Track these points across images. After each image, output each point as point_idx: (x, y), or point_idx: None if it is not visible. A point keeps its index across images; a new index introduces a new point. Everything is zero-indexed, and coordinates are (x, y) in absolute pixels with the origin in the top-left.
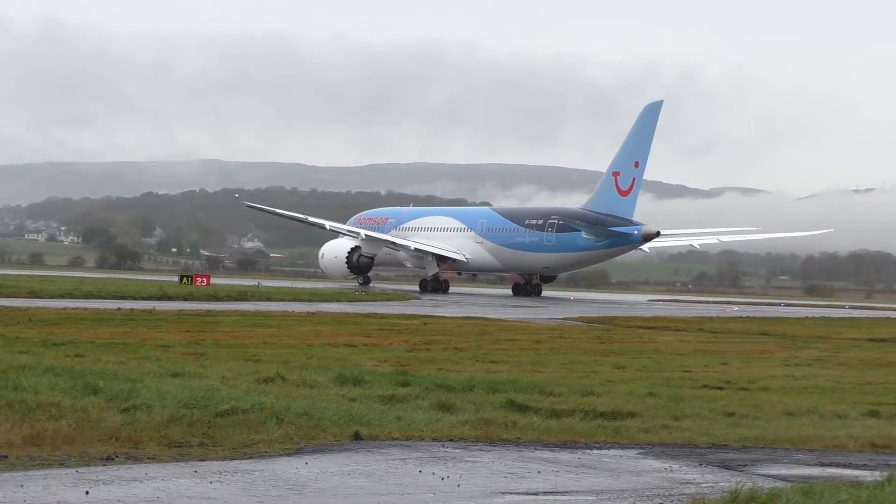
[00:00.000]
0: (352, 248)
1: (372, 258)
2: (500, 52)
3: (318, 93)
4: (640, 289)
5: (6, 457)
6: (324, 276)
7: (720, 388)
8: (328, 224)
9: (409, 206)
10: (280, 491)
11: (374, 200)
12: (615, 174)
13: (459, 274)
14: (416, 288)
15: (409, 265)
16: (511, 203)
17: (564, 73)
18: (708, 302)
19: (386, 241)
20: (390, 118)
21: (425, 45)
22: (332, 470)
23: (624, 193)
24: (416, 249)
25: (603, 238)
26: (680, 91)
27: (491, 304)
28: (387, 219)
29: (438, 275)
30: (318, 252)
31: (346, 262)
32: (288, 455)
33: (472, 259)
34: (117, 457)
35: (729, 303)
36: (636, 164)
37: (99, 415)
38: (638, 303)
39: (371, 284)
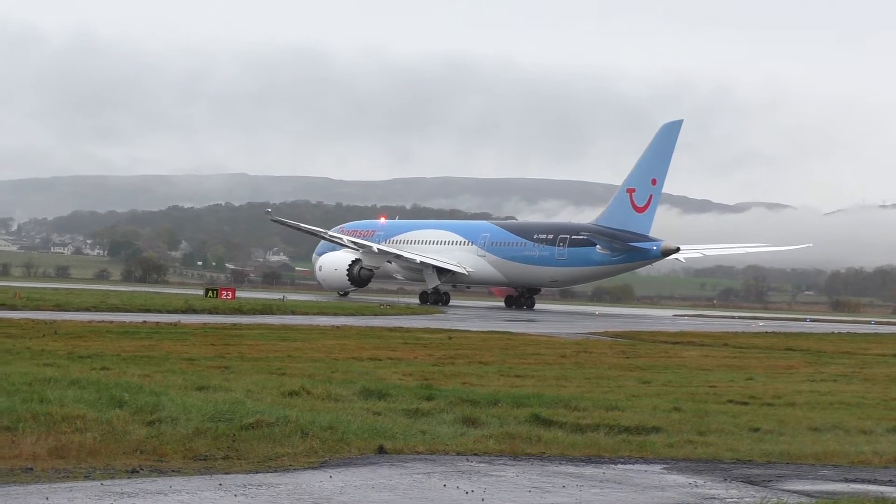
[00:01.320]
0: (353, 261)
1: (372, 271)
2: (531, 66)
3: (348, 106)
4: (666, 303)
5: (32, 469)
6: (318, 288)
7: (745, 404)
8: (346, 238)
9: (395, 218)
10: None
11: (399, 214)
12: (630, 191)
13: (454, 287)
14: (407, 300)
15: (399, 277)
16: (536, 217)
17: (594, 87)
18: (733, 317)
19: (392, 253)
20: (420, 132)
21: (456, 58)
22: (357, 484)
23: (640, 210)
24: (421, 262)
25: (620, 253)
26: (708, 106)
27: (486, 316)
28: (373, 231)
29: (439, 287)
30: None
31: (347, 275)
32: (312, 468)
33: (473, 272)
34: (142, 469)
35: (754, 318)
36: (653, 182)
37: (124, 427)
38: (663, 318)
39: (349, 297)
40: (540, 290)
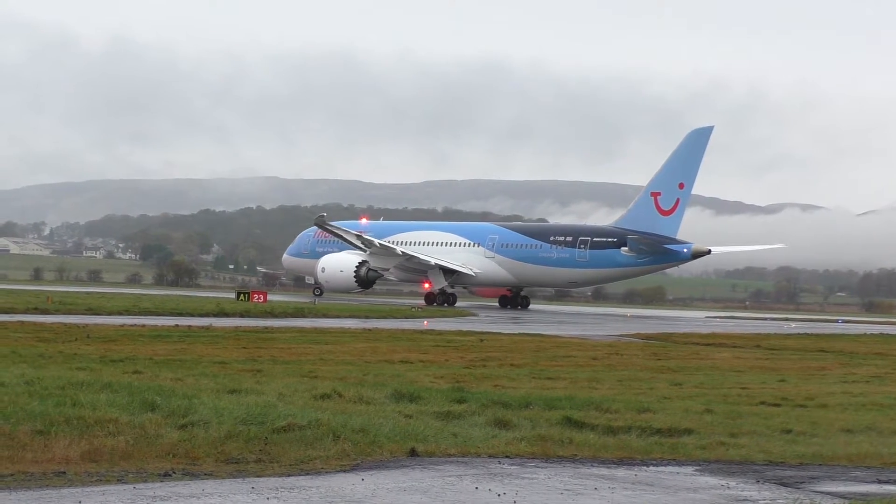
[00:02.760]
0: (360, 262)
1: (378, 272)
2: (565, 69)
3: (382, 109)
4: (697, 305)
5: (64, 473)
6: (293, 289)
7: (777, 405)
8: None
9: (380, 220)
10: None
11: (430, 217)
12: (654, 194)
13: (471, 292)
14: (401, 301)
15: (392, 278)
16: (569, 220)
17: (628, 89)
18: (765, 318)
19: (407, 255)
20: (454, 135)
21: (490, 61)
22: (389, 486)
23: (666, 213)
24: (437, 265)
25: (646, 255)
26: (742, 108)
27: (518, 318)
28: (360, 233)
29: (446, 288)
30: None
31: (355, 276)
32: (344, 471)
33: (480, 273)
34: (175, 473)
35: (786, 319)
36: (681, 186)
37: (156, 431)
38: (695, 319)
39: (322, 296)
40: (553, 291)
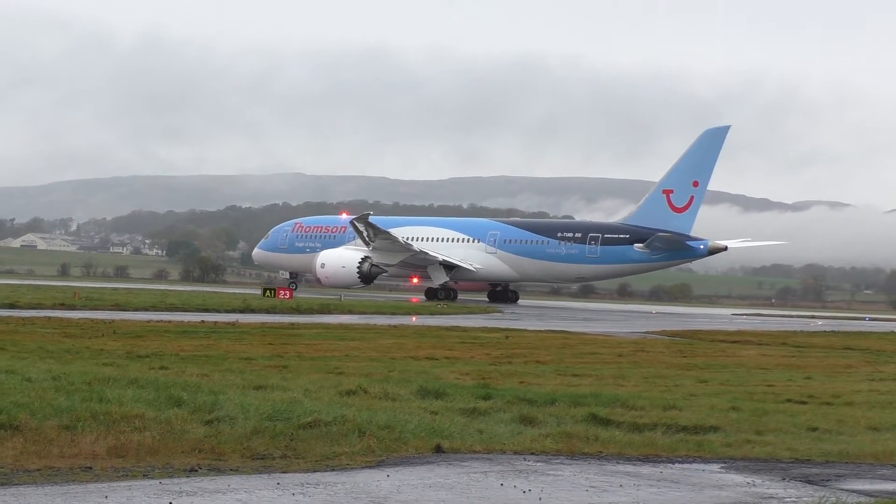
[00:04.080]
0: (362, 258)
1: (380, 268)
2: (598, 66)
3: (414, 106)
4: (723, 302)
5: (91, 468)
6: (319, 286)
7: (803, 403)
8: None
9: (369, 214)
10: (362, 503)
11: (456, 214)
12: (667, 192)
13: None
14: (370, 294)
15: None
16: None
17: (661, 86)
18: (791, 316)
19: (418, 252)
20: (486, 132)
21: (523, 58)
22: (414, 483)
23: (679, 210)
24: (443, 261)
25: (661, 252)
26: (776, 105)
27: (544, 315)
28: (345, 228)
29: (447, 284)
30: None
31: (358, 272)
32: (370, 468)
33: (481, 269)
34: (201, 468)
35: (813, 317)
36: (695, 184)
37: (182, 427)
38: (721, 316)
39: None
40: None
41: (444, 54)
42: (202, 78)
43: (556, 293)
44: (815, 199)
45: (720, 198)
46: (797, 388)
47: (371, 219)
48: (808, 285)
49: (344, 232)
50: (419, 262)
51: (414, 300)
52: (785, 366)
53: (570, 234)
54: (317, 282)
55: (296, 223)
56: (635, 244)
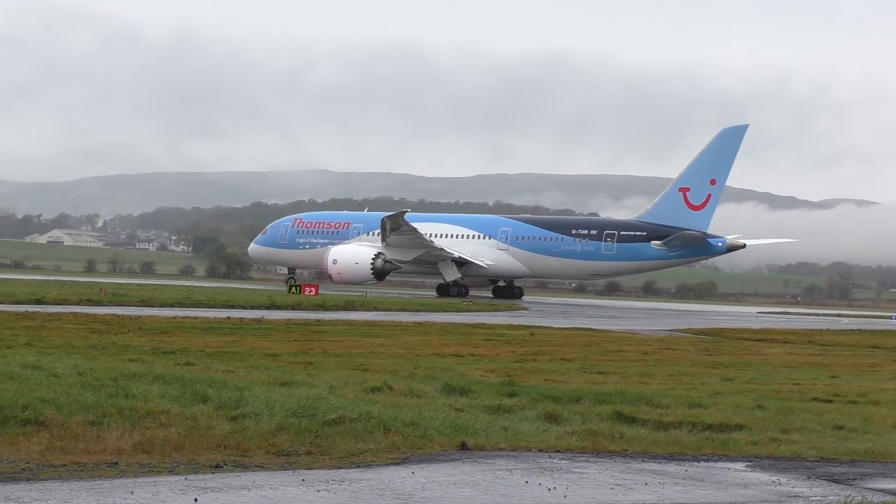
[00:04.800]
0: (375, 254)
1: (393, 264)
2: (629, 63)
3: (445, 103)
4: (749, 301)
5: (116, 464)
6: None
7: (829, 402)
8: (455, 253)
9: (365, 210)
10: (386, 500)
11: (481, 211)
12: (683, 189)
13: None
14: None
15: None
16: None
17: (692, 83)
18: (817, 314)
19: (439, 249)
20: (516, 129)
21: (553, 55)
22: (439, 480)
23: (696, 208)
24: (460, 257)
25: (678, 249)
26: (806, 102)
27: (569, 313)
28: (348, 223)
29: (459, 280)
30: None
31: (371, 269)
32: (394, 464)
33: (492, 265)
34: (226, 465)
35: (839, 315)
36: (712, 182)
37: (208, 423)
38: (746, 315)
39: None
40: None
41: (474, 51)
42: (233, 74)
43: (581, 290)
44: (843, 197)
45: (747, 195)
46: (823, 387)
47: (369, 214)
48: (835, 283)
49: (348, 228)
50: (432, 259)
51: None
52: (811, 364)
53: (586, 231)
54: (328, 278)
55: (295, 218)
56: (652, 241)
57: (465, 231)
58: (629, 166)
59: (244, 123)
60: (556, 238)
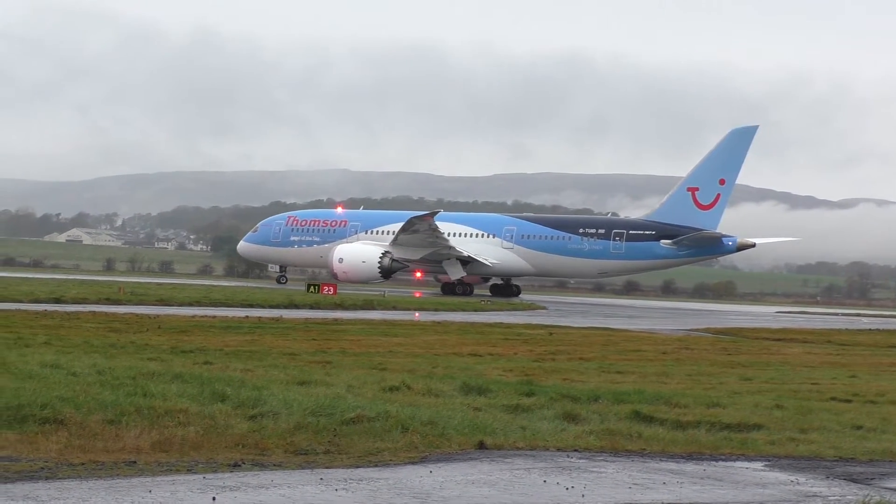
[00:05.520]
0: (382, 253)
1: (400, 262)
2: (646, 63)
3: (462, 103)
4: (768, 300)
5: (135, 462)
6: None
7: (848, 401)
8: (464, 252)
9: (360, 208)
10: (405, 499)
11: (500, 210)
12: (692, 189)
13: (437, 279)
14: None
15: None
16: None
17: (709, 83)
18: (837, 314)
19: (450, 247)
20: (534, 129)
21: (571, 55)
22: (457, 479)
23: (705, 207)
24: (468, 256)
25: (688, 248)
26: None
27: (587, 312)
28: (345, 221)
29: (464, 278)
30: None
31: (379, 267)
32: (413, 463)
33: (497, 264)
34: (244, 463)
35: (858, 315)
36: (721, 182)
37: (226, 422)
38: (765, 314)
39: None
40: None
41: (492, 51)
42: (252, 73)
43: (599, 290)
44: (862, 196)
45: (766, 195)
46: (842, 387)
47: (365, 212)
48: (854, 283)
49: (344, 226)
50: (437, 258)
51: (417, 294)
52: (829, 364)
53: (594, 230)
54: (333, 276)
55: (289, 216)
56: (662, 240)
57: (469, 230)
58: (648, 166)
59: (263, 123)
60: (564, 237)
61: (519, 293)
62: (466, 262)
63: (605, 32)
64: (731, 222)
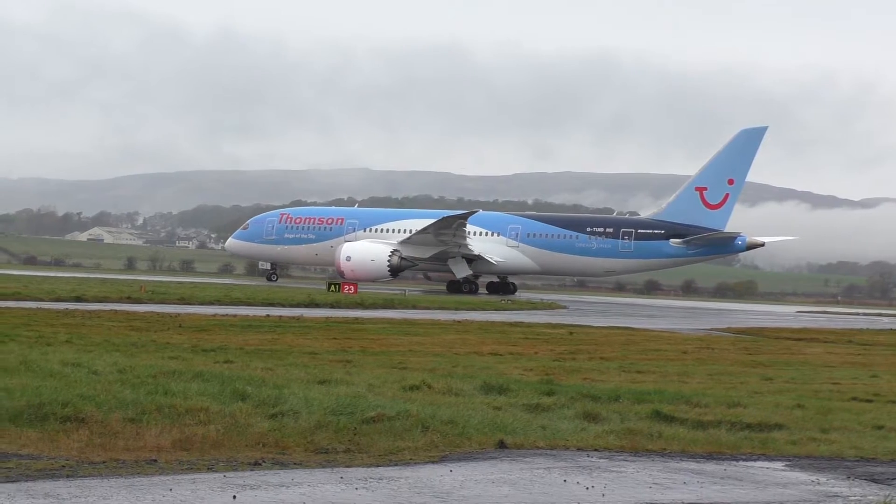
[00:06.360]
0: (391, 252)
1: (409, 261)
2: (671, 62)
3: (485, 102)
4: (789, 300)
5: (156, 461)
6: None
7: (869, 401)
8: (475, 250)
9: (355, 206)
10: (425, 498)
11: (520, 209)
12: (700, 189)
13: (427, 277)
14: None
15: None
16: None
17: (734, 83)
18: (858, 314)
19: (468, 247)
20: (557, 128)
21: (595, 54)
22: (477, 478)
23: (713, 207)
24: (478, 255)
25: (697, 247)
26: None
27: (607, 311)
28: (342, 219)
29: (469, 277)
30: None
31: (388, 266)
32: (433, 462)
33: (502, 262)
34: (264, 462)
35: (879, 315)
36: (730, 182)
37: (247, 420)
38: (786, 314)
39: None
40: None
41: (515, 51)
42: (274, 72)
43: (620, 289)
44: (884, 196)
45: (787, 195)
46: (862, 387)
47: (361, 210)
48: (875, 283)
49: (342, 224)
50: (445, 256)
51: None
52: (851, 364)
53: (601, 229)
54: (339, 274)
55: (282, 214)
56: (671, 239)
57: (473, 228)
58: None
59: (285, 122)
60: (571, 236)
61: (515, 291)
62: (471, 260)
63: (627, 31)
64: (752, 221)
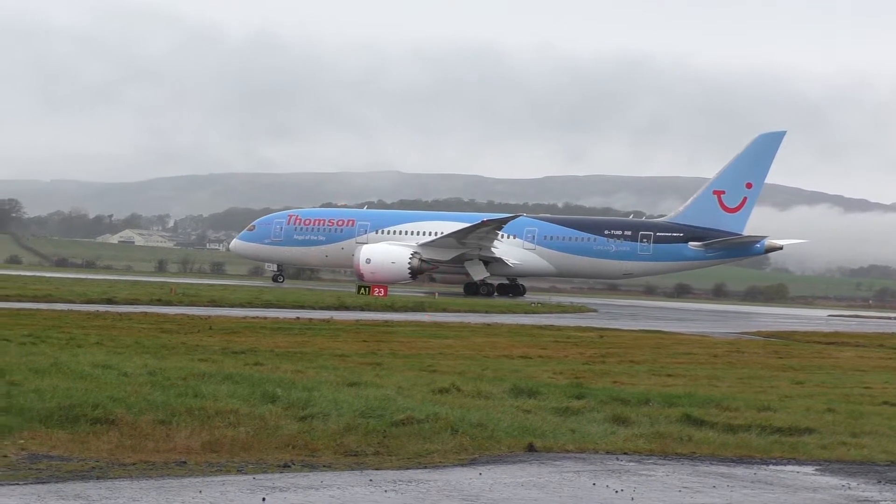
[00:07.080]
0: (412, 254)
1: (429, 263)
2: (705, 65)
3: (520, 105)
4: (820, 303)
5: (185, 462)
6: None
7: None
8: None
9: (364, 207)
10: (454, 501)
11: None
12: (718, 192)
13: (432, 279)
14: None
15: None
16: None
17: (770, 86)
18: (889, 318)
19: (485, 248)
20: (592, 131)
21: (630, 57)
22: (506, 481)
23: (731, 210)
24: (498, 256)
25: (717, 250)
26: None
27: (638, 315)
28: (352, 221)
29: (486, 279)
30: None
31: (409, 268)
32: (462, 465)
33: (518, 264)
34: (294, 464)
35: None
36: (748, 185)
37: (276, 423)
38: (817, 318)
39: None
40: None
41: (551, 53)
42: (308, 75)
43: (650, 293)
44: None
45: (818, 198)
46: (894, 391)
47: (371, 212)
48: None
49: (353, 225)
50: (463, 259)
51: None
52: (882, 368)
53: (619, 232)
54: (358, 277)
55: (290, 215)
56: (690, 242)
57: None
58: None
59: (318, 124)
60: (589, 238)
61: (524, 292)
62: (488, 262)
63: (661, 34)
64: (782, 224)
